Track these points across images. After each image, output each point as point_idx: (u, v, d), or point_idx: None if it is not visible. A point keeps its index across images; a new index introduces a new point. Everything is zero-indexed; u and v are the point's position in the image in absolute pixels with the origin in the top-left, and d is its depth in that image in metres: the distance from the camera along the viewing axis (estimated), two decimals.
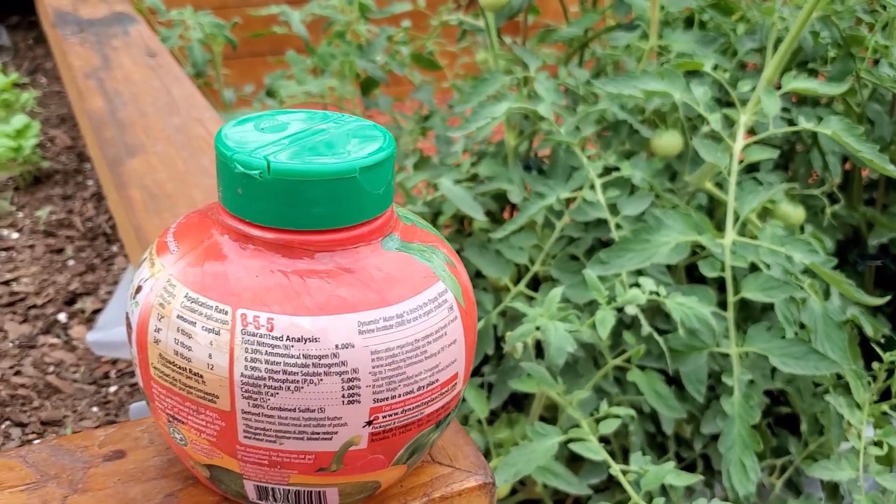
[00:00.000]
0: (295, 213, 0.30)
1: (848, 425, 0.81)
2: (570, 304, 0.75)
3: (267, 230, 0.30)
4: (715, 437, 0.87)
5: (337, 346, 0.29)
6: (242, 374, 0.29)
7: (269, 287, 0.30)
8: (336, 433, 0.30)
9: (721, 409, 0.76)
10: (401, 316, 0.30)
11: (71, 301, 0.70)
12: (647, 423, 0.86)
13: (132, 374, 0.62)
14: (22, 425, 0.56)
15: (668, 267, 0.83)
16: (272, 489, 0.32)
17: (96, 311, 0.68)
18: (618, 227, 0.77)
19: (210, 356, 0.29)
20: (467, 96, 0.90)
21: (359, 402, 0.30)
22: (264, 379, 0.29)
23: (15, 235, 0.80)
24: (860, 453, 0.71)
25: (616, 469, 0.60)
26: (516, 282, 0.84)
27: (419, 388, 0.31)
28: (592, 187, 0.78)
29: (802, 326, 0.71)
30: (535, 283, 0.89)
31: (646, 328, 0.72)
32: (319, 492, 0.32)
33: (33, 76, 1.18)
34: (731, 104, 0.83)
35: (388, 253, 0.32)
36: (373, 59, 1.12)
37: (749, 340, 0.69)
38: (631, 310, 0.69)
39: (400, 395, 0.30)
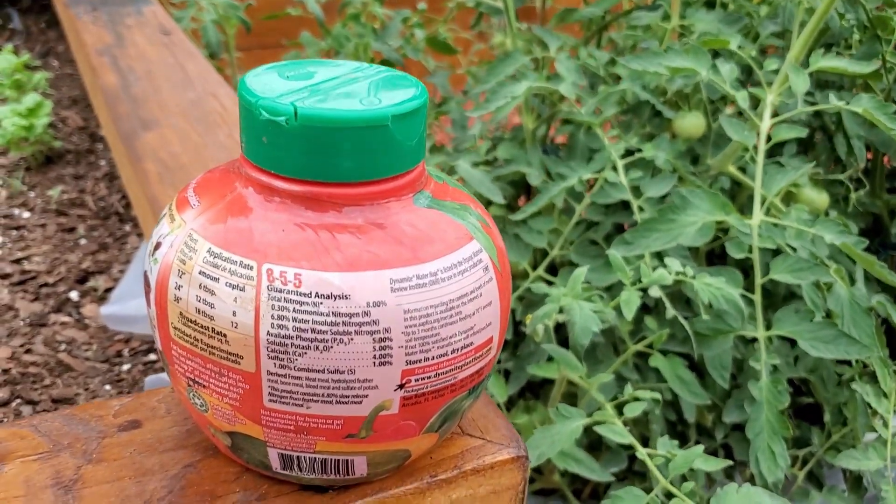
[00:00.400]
0: (323, 164, 0.28)
1: (874, 414, 0.79)
2: (592, 286, 0.73)
3: (293, 182, 0.29)
4: (737, 427, 0.85)
5: (368, 304, 0.28)
6: (269, 333, 0.28)
7: (297, 241, 0.28)
8: (366, 397, 0.28)
9: (745, 395, 0.74)
10: (434, 274, 0.29)
11: (83, 279, 0.69)
12: (667, 411, 0.84)
13: (146, 352, 0.60)
14: (33, 403, 0.54)
15: (691, 250, 0.81)
16: (297, 457, 0.30)
17: (109, 290, 0.66)
18: (640, 209, 0.76)
19: (234, 314, 0.28)
20: (485, 77, 0.88)
21: (390, 363, 0.28)
22: (291, 338, 0.28)
23: (26, 215, 0.78)
24: (887, 443, 0.70)
25: (642, 452, 0.58)
26: (534, 267, 0.83)
27: (453, 351, 0.29)
28: (615, 169, 0.76)
29: (828, 315, 0.69)
30: (552, 270, 0.87)
31: (670, 311, 0.70)
32: (347, 460, 0.30)
33: (45, 59, 1.17)
34: (755, 86, 0.81)
35: (420, 209, 0.30)
36: (388, 41, 1.10)
37: (777, 324, 0.67)
38: (655, 292, 0.68)
39: (433, 358, 0.29)
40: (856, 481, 0.84)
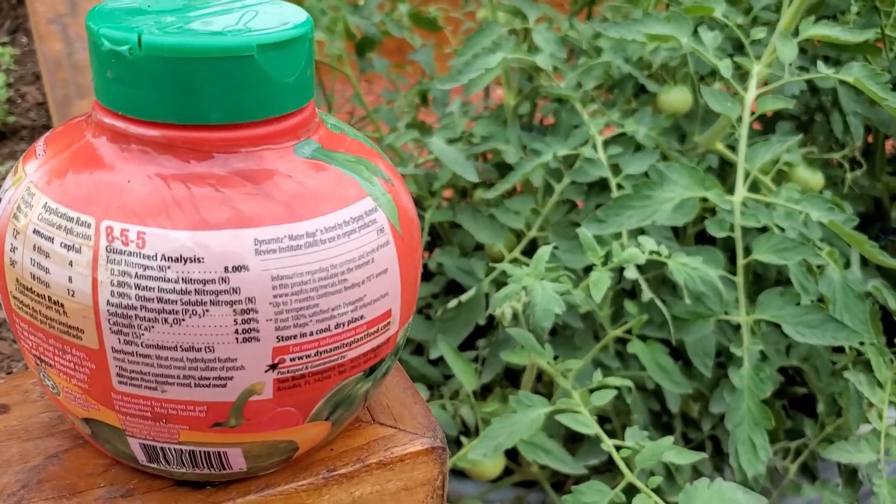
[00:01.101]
0: (179, 103, 0.24)
1: (868, 405, 0.74)
2: (567, 269, 0.69)
3: (148, 126, 0.24)
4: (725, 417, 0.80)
5: (226, 269, 0.23)
6: (109, 303, 0.23)
7: (143, 195, 0.24)
8: (231, 379, 0.24)
9: (730, 384, 0.69)
10: (312, 235, 0.24)
11: None
12: (651, 401, 0.79)
13: None
14: None
15: (676, 232, 0.77)
16: (161, 449, 0.26)
17: None
18: (619, 187, 0.71)
19: (70, 280, 0.24)
20: (462, 49, 0.83)
21: (257, 339, 0.24)
22: (136, 308, 0.23)
23: None
24: (881, 435, 0.65)
25: (608, 444, 0.54)
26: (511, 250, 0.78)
27: (337, 326, 0.25)
28: (594, 146, 0.72)
29: (821, 300, 0.64)
30: (531, 253, 0.83)
31: (646, 294, 0.66)
32: (219, 452, 0.26)
33: (14, 35, 1.12)
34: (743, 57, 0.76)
35: (301, 160, 0.26)
36: (367, 16, 1.06)
37: (760, 307, 0.63)
38: (631, 273, 0.63)
39: (312, 334, 0.24)
40: (851, 475, 0.79)
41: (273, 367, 0.24)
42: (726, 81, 0.73)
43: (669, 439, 0.52)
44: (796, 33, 0.68)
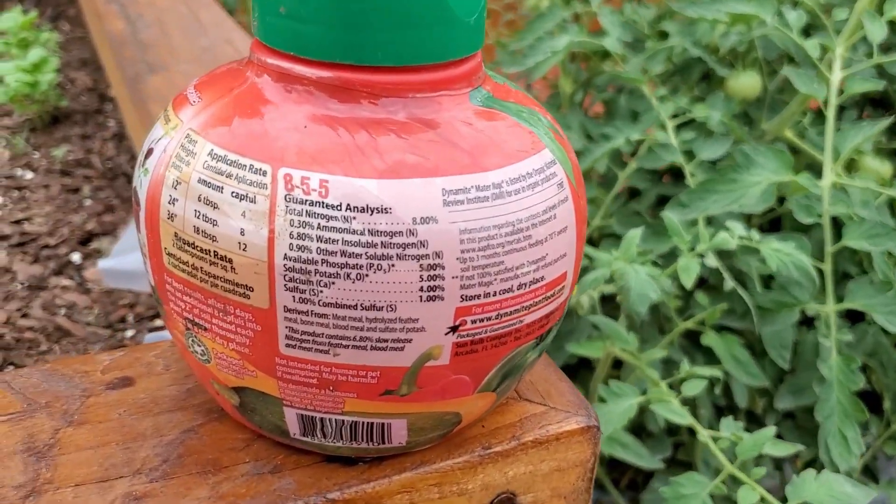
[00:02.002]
0: (358, 41, 0.22)
1: None
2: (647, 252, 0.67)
3: (319, 66, 0.23)
4: (788, 415, 0.78)
5: (415, 221, 0.21)
6: (286, 257, 0.21)
7: (323, 140, 0.22)
8: (409, 342, 0.22)
9: (800, 381, 0.67)
10: (499, 186, 0.22)
11: (86, 241, 0.63)
12: (714, 396, 0.77)
13: (152, 317, 0.55)
14: None
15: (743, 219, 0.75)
16: (321, 420, 0.24)
17: None
18: (692, 175, 0.69)
19: (242, 232, 0.22)
20: (522, 34, 0.81)
21: (441, 298, 0.22)
22: (316, 263, 0.21)
23: (29, 175, 0.73)
24: None
25: (705, 435, 0.52)
26: None
27: (520, 286, 0.23)
28: (666, 131, 0.70)
29: None
30: (589, 244, 0.81)
31: (728, 282, 0.64)
32: (383, 424, 0.24)
33: (56, 23, 1.11)
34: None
35: (477, 107, 0.24)
36: None
37: (850, 295, 0.60)
38: (711, 261, 0.61)
39: (495, 294, 0.23)
40: None
41: (454, 329, 0.22)
42: (804, 64, 0.70)
43: (771, 430, 0.50)
44: (881, 12, 0.66)
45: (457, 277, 0.22)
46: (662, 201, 0.80)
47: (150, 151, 0.24)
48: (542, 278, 0.23)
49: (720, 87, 0.80)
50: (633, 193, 0.84)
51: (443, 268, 0.22)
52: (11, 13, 0.94)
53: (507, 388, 0.26)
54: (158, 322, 0.54)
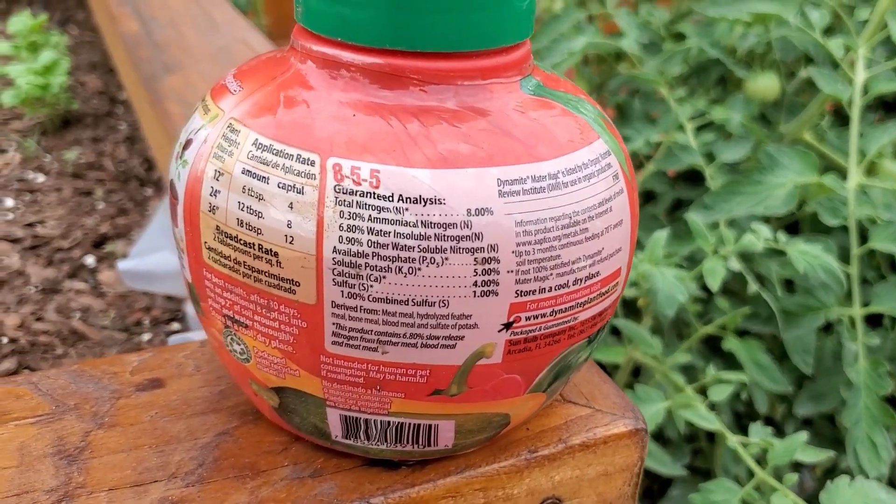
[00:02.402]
0: (408, 26, 0.21)
1: None
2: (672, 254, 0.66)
3: (367, 52, 0.22)
4: (807, 421, 0.77)
5: (469, 212, 0.20)
6: (336, 250, 0.20)
7: (373, 129, 0.21)
8: (461, 339, 0.21)
9: (821, 386, 0.66)
10: (555, 176, 0.21)
11: (100, 244, 0.62)
12: (734, 402, 0.76)
13: (168, 321, 0.54)
14: None
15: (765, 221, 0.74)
16: (366, 421, 0.23)
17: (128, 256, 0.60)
18: (711, 177, 0.68)
19: (289, 225, 0.21)
20: (538, 34, 0.81)
21: (496, 293, 0.21)
22: (366, 256, 0.20)
23: (41, 178, 0.72)
24: None
25: (733, 441, 0.51)
26: None
27: (576, 282, 0.22)
28: (686, 132, 0.69)
29: None
30: None
31: (752, 286, 0.63)
32: (430, 426, 0.23)
33: (64, 27, 1.11)
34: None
35: (528, 96, 0.23)
36: None
37: (877, 299, 0.59)
38: (734, 264, 0.60)
39: (551, 289, 0.22)
40: None
41: (507, 326, 0.22)
42: (823, 65, 0.70)
43: (802, 436, 0.49)
44: None
45: (512, 272, 0.21)
46: (678, 205, 0.80)
47: (188, 142, 0.23)
48: (598, 273, 0.23)
49: (737, 89, 0.79)
50: (649, 197, 0.83)
51: (498, 261, 0.21)
52: (21, 16, 0.93)
53: (557, 390, 0.25)
54: (175, 325, 0.53)
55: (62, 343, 0.52)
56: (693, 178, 0.80)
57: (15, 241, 0.62)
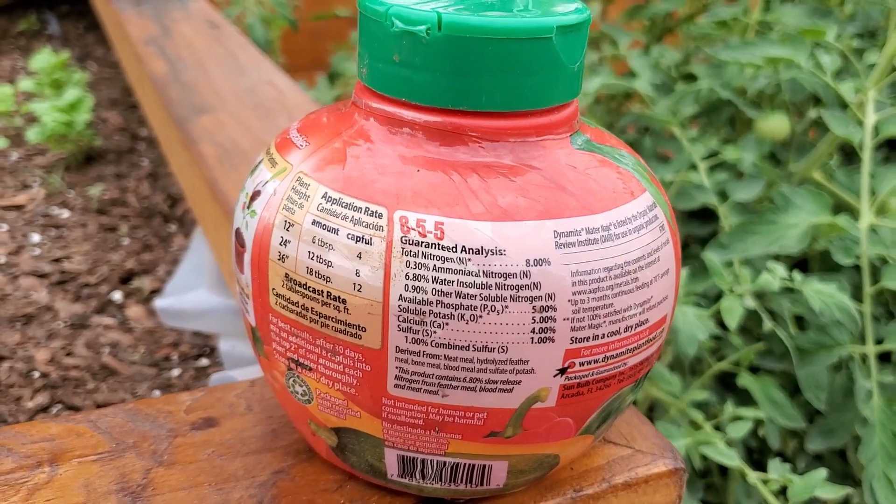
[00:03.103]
0: (468, 88, 0.22)
1: None
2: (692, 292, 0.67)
3: (427, 111, 0.23)
4: (817, 457, 0.78)
5: (528, 263, 0.22)
6: (402, 298, 0.22)
7: (437, 183, 0.22)
8: (518, 383, 0.22)
9: (833, 422, 0.67)
10: (607, 228, 0.23)
11: (126, 280, 0.63)
12: (747, 438, 0.77)
13: (196, 356, 0.55)
14: (76, 409, 0.49)
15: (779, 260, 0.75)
16: (422, 461, 0.24)
17: (154, 291, 0.61)
18: (724, 217, 0.69)
19: (357, 273, 0.22)
20: None
21: (552, 340, 0.22)
22: (431, 304, 0.22)
23: (66, 214, 0.73)
24: None
25: (753, 478, 0.51)
26: None
27: (626, 329, 0.23)
28: (695, 170, 0.70)
29: None
30: None
31: (767, 323, 0.64)
32: (485, 466, 0.24)
33: (84, 62, 1.13)
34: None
35: (579, 151, 0.24)
36: None
37: (890, 337, 0.60)
38: (749, 302, 0.61)
39: (604, 336, 0.23)
40: None
41: (562, 371, 0.23)
42: (833, 106, 0.71)
43: (822, 472, 0.50)
44: None
45: (568, 319, 0.22)
46: (687, 243, 0.81)
47: (256, 193, 0.25)
48: (647, 321, 0.24)
49: (747, 129, 0.81)
50: None
51: (555, 309, 0.22)
52: (43, 54, 0.95)
53: (604, 431, 0.26)
54: (204, 361, 0.54)
55: (93, 378, 0.53)
56: (702, 215, 0.81)
57: (43, 276, 0.63)
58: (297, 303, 0.23)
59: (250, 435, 0.29)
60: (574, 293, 0.22)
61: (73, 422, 0.29)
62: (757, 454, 0.82)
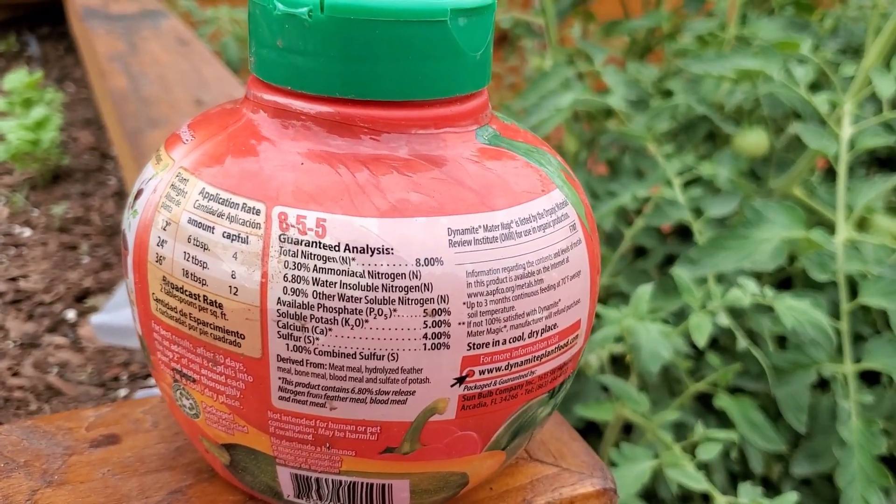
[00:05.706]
0: (359, 74, 0.21)
1: None
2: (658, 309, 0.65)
3: (318, 101, 0.21)
4: (805, 481, 0.75)
5: (418, 262, 0.20)
6: (280, 301, 0.20)
7: (321, 178, 0.21)
8: (412, 394, 0.21)
9: (818, 444, 0.65)
10: (508, 226, 0.21)
11: (81, 298, 0.62)
12: (729, 461, 0.74)
13: (146, 376, 0.53)
14: None
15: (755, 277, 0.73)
16: (316, 480, 0.22)
17: None
18: (699, 232, 0.68)
19: (234, 275, 0.20)
20: (525, 93, 0.81)
21: (447, 346, 0.20)
22: (311, 308, 0.20)
23: (28, 232, 0.72)
24: None
25: (723, 501, 0.49)
26: None
27: (531, 334, 0.21)
28: (674, 188, 0.69)
29: None
30: (603, 300, 0.79)
31: (741, 342, 0.62)
32: (384, 485, 0.22)
33: (61, 83, 1.12)
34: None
35: (483, 145, 0.22)
36: None
37: (869, 356, 0.58)
38: (723, 320, 0.59)
39: (505, 342, 0.21)
40: None
41: (460, 380, 0.21)
42: (811, 120, 0.70)
43: (792, 496, 0.48)
44: (888, 69, 0.65)
45: (463, 324, 0.20)
46: (669, 260, 0.79)
47: (139, 192, 0.23)
48: (555, 326, 0.22)
49: (725, 145, 0.80)
50: (639, 252, 0.82)
51: (448, 313, 0.20)
52: (17, 73, 0.94)
53: (518, 447, 0.24)
54: (152, 381, 0.52)
55: (37, 399, 0.51)
56: (684, 233, 0.80)
57: None
58: (175, 308, 0.21)
59: (151, 453, 0.27)
60: (470, 295, 0.20)
61: None
62: (742, 478, 0.80)
